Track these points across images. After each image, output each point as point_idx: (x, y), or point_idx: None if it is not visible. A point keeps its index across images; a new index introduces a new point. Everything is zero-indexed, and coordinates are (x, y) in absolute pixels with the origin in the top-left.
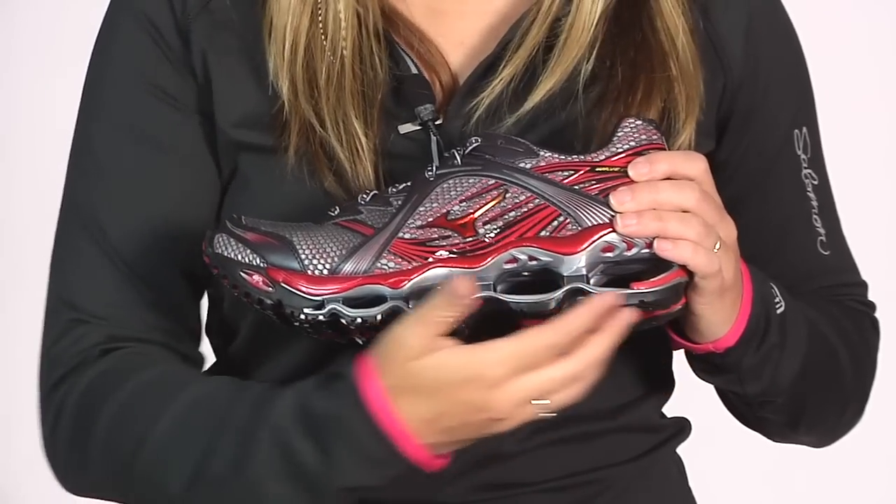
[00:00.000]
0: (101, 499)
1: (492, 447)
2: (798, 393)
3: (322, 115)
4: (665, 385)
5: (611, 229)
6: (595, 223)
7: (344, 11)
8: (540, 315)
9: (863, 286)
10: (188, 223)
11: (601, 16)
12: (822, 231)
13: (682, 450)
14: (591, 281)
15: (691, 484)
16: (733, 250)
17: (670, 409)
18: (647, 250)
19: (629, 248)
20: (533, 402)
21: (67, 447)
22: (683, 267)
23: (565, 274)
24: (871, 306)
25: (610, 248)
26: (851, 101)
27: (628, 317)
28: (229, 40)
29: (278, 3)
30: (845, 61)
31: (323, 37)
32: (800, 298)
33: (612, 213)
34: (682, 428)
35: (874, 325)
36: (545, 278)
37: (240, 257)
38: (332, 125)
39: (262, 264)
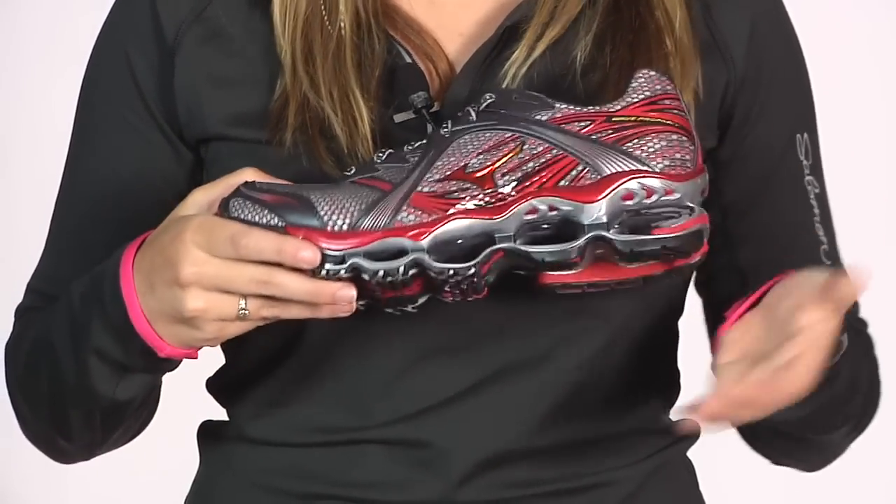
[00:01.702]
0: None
1: (501, 447)
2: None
3: (318, 83)
4: (671, 386)
5: (630, 177)
6: (614, 171)
7: (343, 4)
8: (562, 266)
9: (857, 303)
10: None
11: None
12: (823, 240)
13: (692, 452)
14: (612, 231)
15: (702, 487)
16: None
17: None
18: (666, 196)
19: (649, 196)
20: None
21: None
22: (704, 213)
23: (586, 223)
24: (865, 324)
25: (630, 195)
26: (851, 105)
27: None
28: (224, 45)
29: None
30: (845, 64)
31: (324, 10)
32: None
33: (632, 162)
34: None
35: (873, 345)
36: (565, 231)
37: (257, 219)
38: (328, 94)
39: (280, 224)
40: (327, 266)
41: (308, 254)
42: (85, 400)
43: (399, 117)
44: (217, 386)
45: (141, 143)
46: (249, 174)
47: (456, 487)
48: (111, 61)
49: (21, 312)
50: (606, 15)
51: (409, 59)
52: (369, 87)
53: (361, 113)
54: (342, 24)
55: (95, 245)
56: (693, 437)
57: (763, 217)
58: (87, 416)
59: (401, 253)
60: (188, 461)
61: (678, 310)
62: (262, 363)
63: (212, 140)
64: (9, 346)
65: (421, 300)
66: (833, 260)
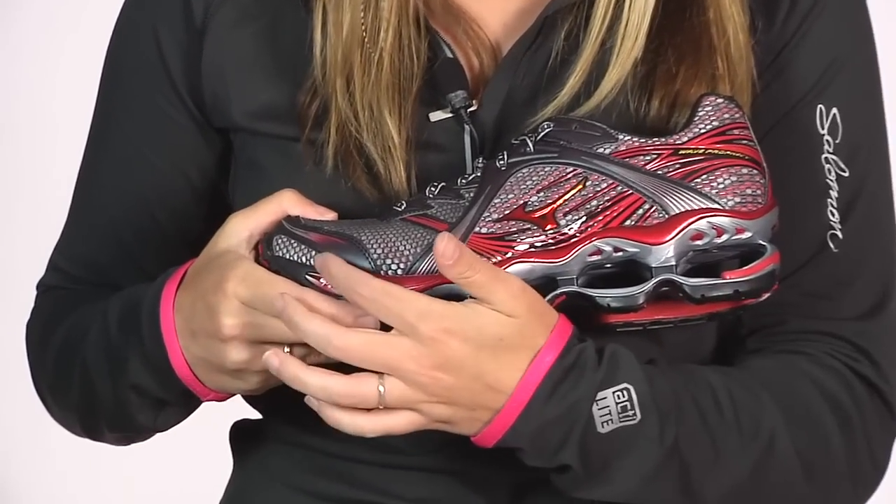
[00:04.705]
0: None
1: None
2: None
3: (356, 108)
4: None
5: (700, 216)
6: (683, 210)
7: (386, 21)
8: (628, 310)
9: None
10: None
11: None
12: (836, 226)
13: None
14: (678, 270)
15: None
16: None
17: None
18: (738, 236)
19: (719, 235)
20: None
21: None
22: (777, 251)
23: (653, 265)
24: (867, 353)
25: (699, 235)
26: None
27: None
28: (256, 30)
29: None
30: None
31: (363, 27)
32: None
33: (702, 199)
34: None
35: (871, 388)
36: (628, 269)
37: (304, 259)
38: (365, 121)
39: None
40: None
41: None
42: (123, 426)
43: (435, 116)
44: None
45: (169, 125)
46: (288, 197)
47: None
48: (138, 37)
49: (44, 288)
50: (657, 9)
51: (449, 55)
52: (405, 110)
53: (394, 141)
54: (382, 44)
55: (125, 230)
56: None
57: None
58: (123, 436)
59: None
60: (219, 464)
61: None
62: None
63: (239, 131)
64: (32, 325)
65: None
66: (850, 257)
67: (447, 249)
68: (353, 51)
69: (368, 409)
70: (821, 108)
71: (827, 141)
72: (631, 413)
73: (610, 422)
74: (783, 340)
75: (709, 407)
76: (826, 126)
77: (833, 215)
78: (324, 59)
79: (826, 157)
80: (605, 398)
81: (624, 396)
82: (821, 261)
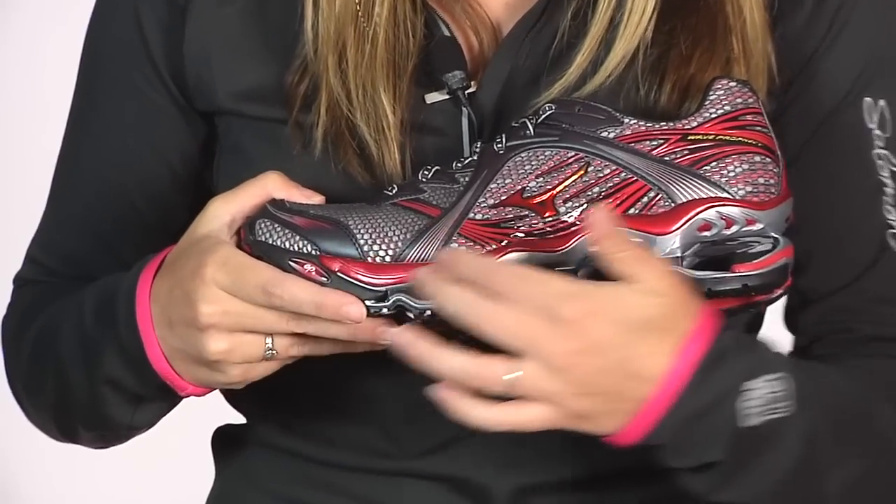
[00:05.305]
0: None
1: (542, 477)
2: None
3: (349, 86)
4: None
5: (708, 205)
6: (690, 198)
7: None
8: None
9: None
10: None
11: None
12: (894, 223)
13: None
14: (685, 263)
15: None
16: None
17: None
18: (748, 227)
19: (728, 226)
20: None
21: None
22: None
23: (658, 256)
24: None
25: (707, 226)
26: None
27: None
28: (241, 7)
29: None
30: None
31: (357, 4)
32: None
33: (711, 188)
34: None
35: None
36: None
37: (288, 245)
38: (358, 100)
39: (314, 251)
40: (367, 303)
41: (354, 310)
42: (98, 424)
43: (431, 98)
44: (234, 394)
45: (150, 109)
46: (272, 180)
47: None
48: (118, 16)
49: (21, 282)
50: None
51: (447, 33)
52: (400, 89)
53: (389, 120)
54: (377, 19)
55: (103, 219)
56: None
57: (807, 182)
58: (99, 435)
59: None
60: (199, 471)
61: (757, 326)
62: (284, 375)
63: (224, 114)
64: (7, 320)
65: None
66: None
67: (603, 221)
68: (346, 25)
69: (498, 402)
70: (868, 102)
71: (877, 136)
72: (781, 405)
73: (758, 414)
74: (857, 346)
75: (836, 400)
76: (874, 119)
77: (890, 213)
78: (315, 33)
79: (877, 153)
80: (753, 389)
81: (775, 387)
82: (883, 263)
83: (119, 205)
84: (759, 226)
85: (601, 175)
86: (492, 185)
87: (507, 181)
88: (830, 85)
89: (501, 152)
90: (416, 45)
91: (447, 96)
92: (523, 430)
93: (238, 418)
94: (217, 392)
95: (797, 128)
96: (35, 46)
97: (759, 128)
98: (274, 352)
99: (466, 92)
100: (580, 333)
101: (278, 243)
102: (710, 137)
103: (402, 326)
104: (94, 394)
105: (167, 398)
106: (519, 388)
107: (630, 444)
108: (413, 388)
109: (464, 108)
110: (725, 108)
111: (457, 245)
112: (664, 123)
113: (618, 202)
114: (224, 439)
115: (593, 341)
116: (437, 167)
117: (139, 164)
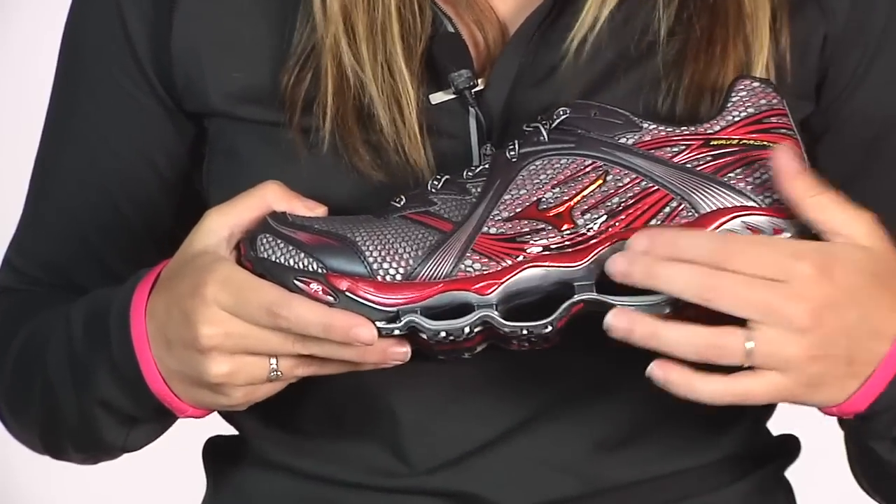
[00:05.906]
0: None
1: (556, 494)
2: None
3: (362, 59)
4: None
5: (733, 214)
6: (714, 208)
7: None
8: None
9: None
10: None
11: None
12: None
13: (790, 472)
14: None
15: None
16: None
17: (776, 427)
18: (775, 237)
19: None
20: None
21: None
22: None
23: None
24: None
25: None
26: None
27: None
28: (233, 1)
29: None
30: None
31: None
32: None
33: (736, 197)
34: (789, 448)
35: None
36: None
37: (292, 262)
38: (370, 71)
39: (320, 270)
40: (378, 324)
41: (364, 332)
42: (89, 445)
43: (436, 98)
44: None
45: (134, 110)
46: (272, 190)
47: None
48: (100, 11)
49: None
50: None
51: (451, 29)
52: (413, 69)
53: (410, 95)
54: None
55: (86, 226)
56: (791, 455)
57: (871, 195)
58: (90, 456)
59: (464, 308)
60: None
61: None
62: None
63: (215, 116)
64: None
65: (479, 349)
66: None
67: (790, 161)
68: (357, 6)
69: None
70: None
71: None
72: None
73: None
74: None
75: None
76: None
77: None
78: (323, 4)
79: None
80: None
81: None
82: None
83: (102, 209)
84: (786, 235)
85: (621, 184)
86: (505, 197)
87: (521, 192)
88: (881, 102)
89: (514, 160)
90: (425, 32)
91: (453, 96)
92: (751, 401)
93: (231, 427)
94: None
95: (855, 137)
96: (35, 46)
97: (784, 130)
98: (279, 373)
99: (474, 91)
100: (818, 291)
101: (282, 260)
102: (734, 142)
103: (616, 309)
104: (86, 415)
105: (163, 420)
106: (757, 357)
107: (858, 411)
108: (424, 402)
109: (471, 109)
110: (749, 110)
111: (470, 262)
112: (685, 128)
113: (639, 213)
114: (217, 452)
115: (831, 299)
116: (446, 176)
117: (123, 166)
